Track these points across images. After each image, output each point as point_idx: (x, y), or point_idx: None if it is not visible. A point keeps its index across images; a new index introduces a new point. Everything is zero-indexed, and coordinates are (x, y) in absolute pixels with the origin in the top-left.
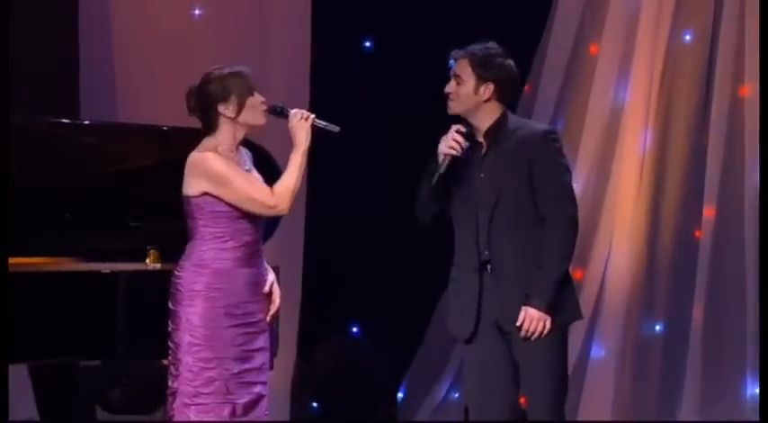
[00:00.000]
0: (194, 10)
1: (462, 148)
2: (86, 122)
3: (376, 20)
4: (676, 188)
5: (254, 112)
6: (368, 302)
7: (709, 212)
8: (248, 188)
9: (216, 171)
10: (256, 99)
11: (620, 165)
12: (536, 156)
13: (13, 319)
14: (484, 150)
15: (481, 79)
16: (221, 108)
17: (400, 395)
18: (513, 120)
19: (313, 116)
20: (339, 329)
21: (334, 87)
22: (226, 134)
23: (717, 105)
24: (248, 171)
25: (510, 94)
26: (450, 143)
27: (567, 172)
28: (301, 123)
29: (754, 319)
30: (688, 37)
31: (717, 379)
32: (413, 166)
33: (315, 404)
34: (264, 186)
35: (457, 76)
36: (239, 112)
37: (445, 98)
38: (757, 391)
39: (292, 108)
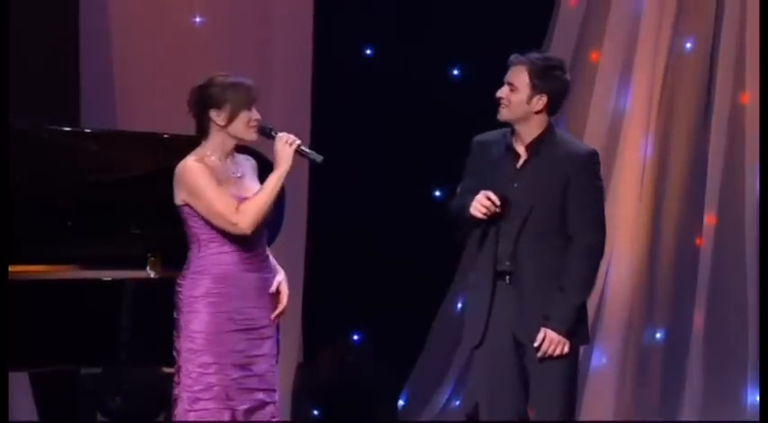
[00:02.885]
0: (195, 17)
1: (493, 212)
2: (87, 130)
3: (377, 27)
4: (677, 195)
5: (245, 126)
6: (369, 309)
7: (709, 220)
8: (215, 202)
9: (191, 182)
10: (252, 114)
11: (620, 172)
12: (575, 175)
13: (14, 327)
14: (522, 161)
15: (536, 90)
16: (213, 114)
17: (401, 402)
18: (558, 134)
19: (298, 142)
20: (340, 336)
21: (336, 94)
22: (215, 142)
23: (717, 113)
24: (240, 179)
25: (559, 106)
26: (482, 209)
27: (601, 197)
28: (285, 147)
29: (755, 327)
30: (689, 44)
31: (718, 386)
32: (413, 172)
33: (315, 411)
34: (231, 202)
35: (510, 83)
36: (230, 122)
37: (495, 103)
38: (758, 399)
39: (288, 130)
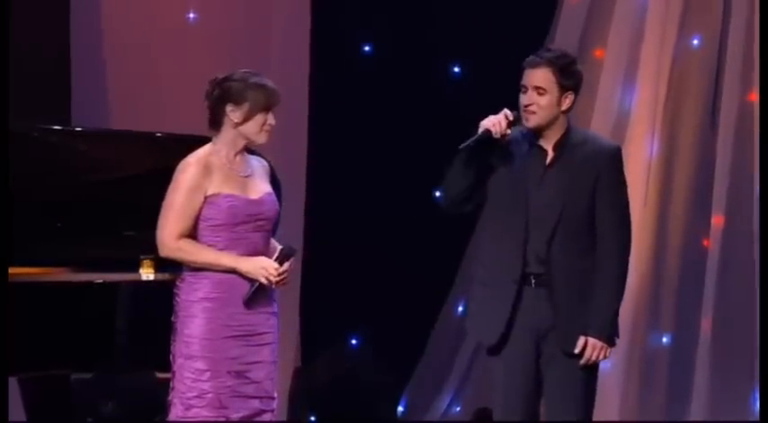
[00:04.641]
0: (189, 14)
1: (502, 132)
2: (78, 129)
3: (376, 24)
4: (684, 196)
5: (258, 128)
6: (368, 312)
7: (717, 221)
8: (172, 210)
9: (176, 180)
10: (268, 118)
11: (625, 172)
12: (604, 172)
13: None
14: (548, 161)
15: (563, 89)
16: (229, 108)
17: (400, 408)
18: (579, 131)
19: (268, 282)
20: (338, 340)
21: (334, 92)
22: (226, 138)
23: (725, 111)
24: (247, 178)
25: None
26: (494, 120)
27: (627, 193)
28: (262, 270)
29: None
30: (696, 41)
31: (725, 392)
32: (413, 172)
33: (312, 417)
34: (183, 225)
35: (538, 87)
36: (244, 121)
37: (520, 110)
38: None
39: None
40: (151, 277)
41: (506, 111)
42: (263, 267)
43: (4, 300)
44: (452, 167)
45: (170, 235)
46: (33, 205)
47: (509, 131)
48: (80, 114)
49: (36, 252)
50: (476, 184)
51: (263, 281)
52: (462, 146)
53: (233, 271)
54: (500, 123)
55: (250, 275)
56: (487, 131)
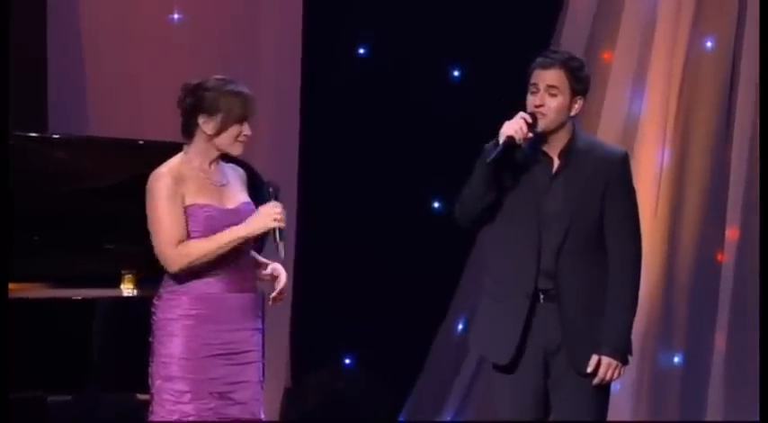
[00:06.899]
0: (173, 15)
1: (524, 136)
2: (55, 136)
3: (371, 25)
4: (696, 207)
5: (233, 140)
6: (363, 329)
7: (732, 234)
8: (161, 223)
9: (151, 192)
10: (243, 129)
11: (635, 182)
12: (612, 180)
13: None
14: (555, 169)
15: (574, 93)
16: (201, 119)
17: None
18: (585, 137)
19: (282, 225)
20: (332, 357)
21: (327, 96)
22: (199, 148)
23: (740, 118)
24: (222, 187)
25: None
26: (515, 126)
27: (636, 201)
28: (268, 217)
29: None
30: (709, 43)
31: (740, 414)
32: (411, 180)
33: None
34: (178, 231)
35: (551, 87)
36: (218, 133)
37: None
38: None
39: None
40: (133, 293)
41: (523, 114)
42: (268, 214)
43: (5, 313)
44: (475, 182)
45: (169, 244)
46: (7, 217)
47: (530, 135)
48: (57, 120)
49: (11, 266)
50: (497, 190)
51: (277, 224)
52: (489, 159)
53: (246, 240)
54: (521, 128)
55: (267, 229)
56: (510, 138)
